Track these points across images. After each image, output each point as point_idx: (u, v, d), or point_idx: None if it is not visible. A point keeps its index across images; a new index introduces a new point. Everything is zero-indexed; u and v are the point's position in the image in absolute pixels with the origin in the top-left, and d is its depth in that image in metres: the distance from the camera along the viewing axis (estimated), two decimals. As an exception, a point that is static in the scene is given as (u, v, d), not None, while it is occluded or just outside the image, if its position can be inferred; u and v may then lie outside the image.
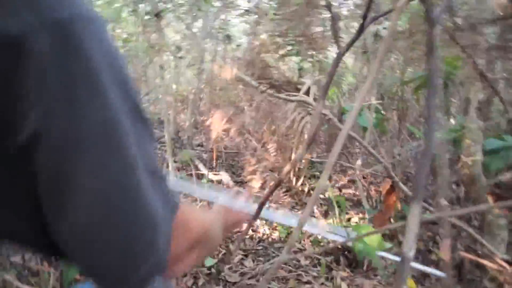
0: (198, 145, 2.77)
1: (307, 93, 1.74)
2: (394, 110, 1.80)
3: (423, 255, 1.46)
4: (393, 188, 1.22)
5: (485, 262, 1.01)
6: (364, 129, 1.64)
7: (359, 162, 1.56)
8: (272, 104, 2.01)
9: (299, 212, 1.93)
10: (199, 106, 2.55)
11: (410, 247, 0.22)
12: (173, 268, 0.29)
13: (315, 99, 1.53)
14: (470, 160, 1.04)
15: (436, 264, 1.40)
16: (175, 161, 2.25)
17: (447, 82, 1.33)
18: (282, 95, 1.50)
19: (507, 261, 1.05)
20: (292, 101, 1.50)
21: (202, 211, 0.40)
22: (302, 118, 2.04)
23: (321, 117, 2.03)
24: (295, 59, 3.08)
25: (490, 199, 1.05)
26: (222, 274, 1.19)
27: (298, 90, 1.88)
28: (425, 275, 1.29)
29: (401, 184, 1.04)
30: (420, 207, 0.22)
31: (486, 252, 1.07)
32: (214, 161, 2.36)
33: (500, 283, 1.13)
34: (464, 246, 1.40)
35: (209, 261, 1.27)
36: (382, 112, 1.77)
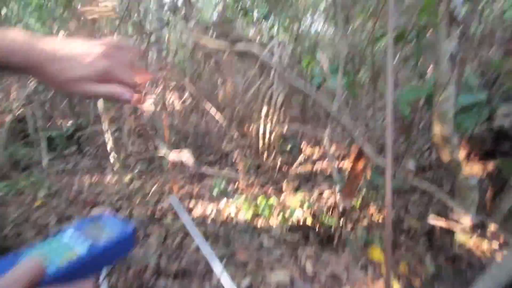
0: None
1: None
2: (366, 71, 1.66)
3: (394, 224, 1.39)
4: (360, 154, 1.09)
5: (454, 228, 0.93)
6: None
7: (327, 131, 1.43)
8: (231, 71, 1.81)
9: (270, 188, 1.81)
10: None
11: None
12: None
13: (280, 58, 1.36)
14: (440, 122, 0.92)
15: (408, 232, 1.33)
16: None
17: (419, 33, 1.19)
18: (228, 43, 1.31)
19: (476, 225, 0.97)
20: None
21: None
22: (269, 88, 1.87)
23: (292, 87, 1.87)
24: (267, 27, 2.85)
25: (462, 159, 0.95)
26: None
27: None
28: (396, 244, 1.21)
29: (367, 148, 0.92)
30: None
31: (456, 218, 0.99)
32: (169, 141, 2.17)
33: (469, 249, 1.07)
34: (435, 213, 1.34)
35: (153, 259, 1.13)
36: (353, 74, 1.63)
